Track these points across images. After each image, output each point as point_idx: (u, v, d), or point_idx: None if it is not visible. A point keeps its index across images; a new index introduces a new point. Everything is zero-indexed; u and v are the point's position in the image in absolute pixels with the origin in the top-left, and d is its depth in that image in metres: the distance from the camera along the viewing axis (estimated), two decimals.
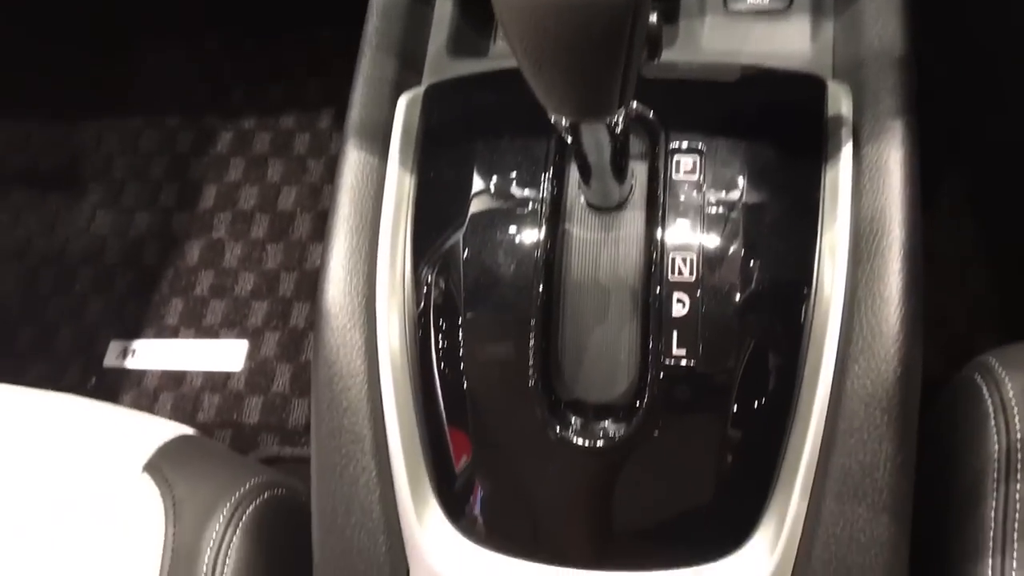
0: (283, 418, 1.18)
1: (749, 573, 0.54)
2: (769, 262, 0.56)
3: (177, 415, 1.17)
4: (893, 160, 0.57)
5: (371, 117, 0.65)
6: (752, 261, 0.56)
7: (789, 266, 0.57)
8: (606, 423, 0.57)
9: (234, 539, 0.62)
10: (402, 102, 0.65)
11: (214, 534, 0.62)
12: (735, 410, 0.55)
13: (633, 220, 0.58)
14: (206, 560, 0.62)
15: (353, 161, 0.64)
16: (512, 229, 0.59)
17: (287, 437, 1.17)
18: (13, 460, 0.68)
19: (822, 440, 0.54)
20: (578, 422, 0.57)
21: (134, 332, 1.26)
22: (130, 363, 1.24)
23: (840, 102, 0.59)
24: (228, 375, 1.21)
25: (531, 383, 0.57)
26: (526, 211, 0.59)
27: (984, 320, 1.06)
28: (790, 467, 0.54)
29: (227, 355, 1.22)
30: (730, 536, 0.55)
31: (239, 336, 1.23)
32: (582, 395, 0.58)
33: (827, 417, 0.54)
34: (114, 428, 0.70)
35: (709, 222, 0.57)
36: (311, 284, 1.24)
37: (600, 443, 0.56)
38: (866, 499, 0.52)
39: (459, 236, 0.60)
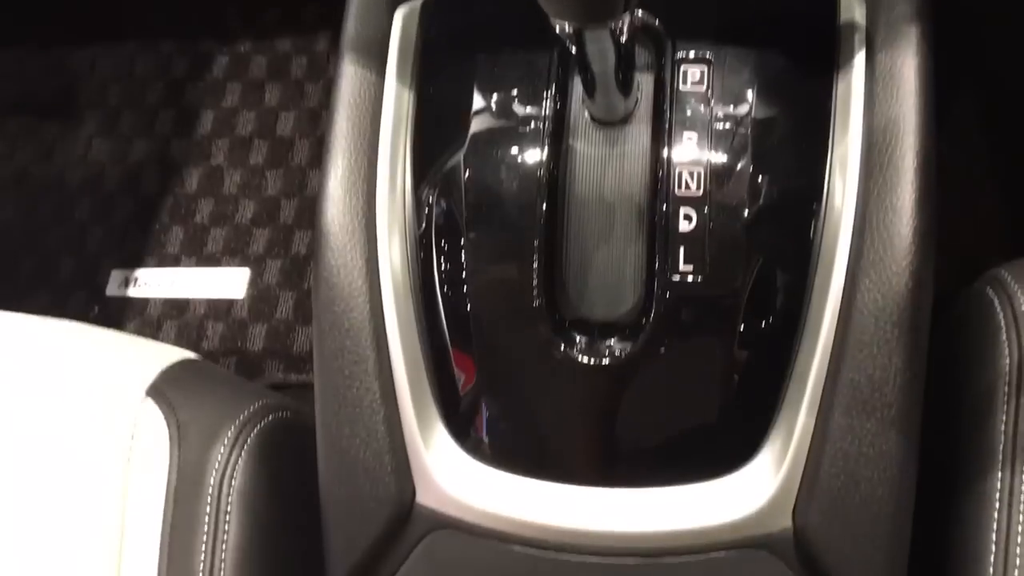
0: (287, 345, 1.17)
1: (756, 488, 0.54)
2: (778, 175, 0.55)
3: (181, 343, 1.16)
4: (908, 67, 0.55)
5: (367, 31, 0.63)
6: (761, 174, 0.55)
7: (799, 179, 0.55)
8: (611, 341, 0.56)
9: (239, 461, 0.62)
10: (399, 15, 0.63)
11: (219, 456, 0.62)
12: (742, 326, 0.54)
13: (639, 134, 0.56)
14: (212, 482, 0.62)
15: (350, 77, 0.62)
16: (515, 145, 0.57)
17: (292, 364, 1.17)
18: (15, 385, 0.68)
19: (831, 355, 0.53)
20: (583, 341, 0.57)
21: (135, 261, 1.26)
22: (132, 292, 1.24)
23: (853, 8, 0.57)
24: (231, 303, 1.20)
25: (535, 302, 0.56)
26: (529, 127, 0.57)
27: (992, 238, 1.05)
28: (798, 382, 0.54)
29: (229, 283, 1.22)
30: (737, 452, 0.55)
31: (241, 264, 1.23)
32: (587, 313, 0.57)
33: (836, 332, 0.53)
34: (116, 353, 0.70)
35: (717, 135, 0.55)
36: (312, 211, 1.22)
37: (606, 361, 0.55)
38: (875, 414, 0.52)
39: (460, 153, 0.58)
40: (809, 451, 0.53)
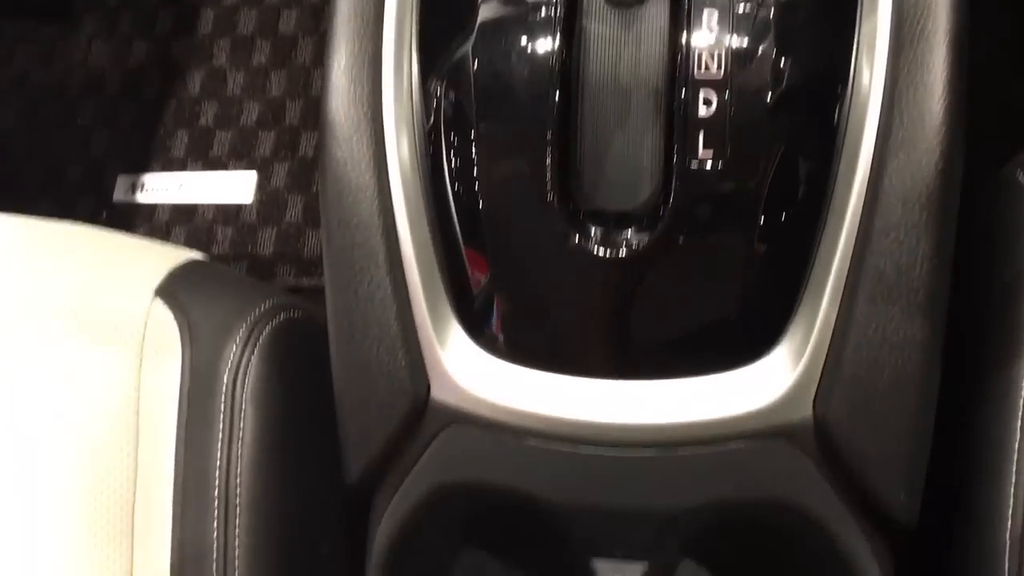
0: (298, 249, 1.17)
1: (776, 378, 0.53)
2: (803, 55, 0.52)
3: (191, 249, 1.16)
4: None
5: None
6: (784, 55, 0.52)
7: (824, 58, 0.53)
8: (628, 232, 0.55)
9: (252, 360, 0.62)
10: None
11: (231, 356, 0.62)
12: (764, 212, 0.53)
13: (656, 14, 0.54)
14: (225, 381, 0.61)
15: None
16: (525, 31, 0.55)
17: (304, 268, 1.16)
18: (22, 287, 0.67)
19: (855, 241, 0.51)
20: (599, 232, 0.55)
21: (141, 166, 1.24)
22: (140, 197, 1.23)
23: None
24: (239, 207, 1.19)
25: (549, 195, 0.54)
26: (540, 12, 0.55)
27: (1019, 128, 1.02)
28: (821, 270, 0.52)
29: (237, 187, 1.20)
30: (757, 342, 0.54)
31: (248, 167, 1.21)
32: (603, 204, 0.55)
33: (862, 217, 0.51)
34: (123, 254, 0.69)
35: (738, 14, 0.53)
36: (317, 112, 1.20)
37: (622, 252, 0.54)
38: (900, 300, 0.50)
39: (469, 40, 0.56)
40: (831, 339, 0.52)
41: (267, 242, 1.17)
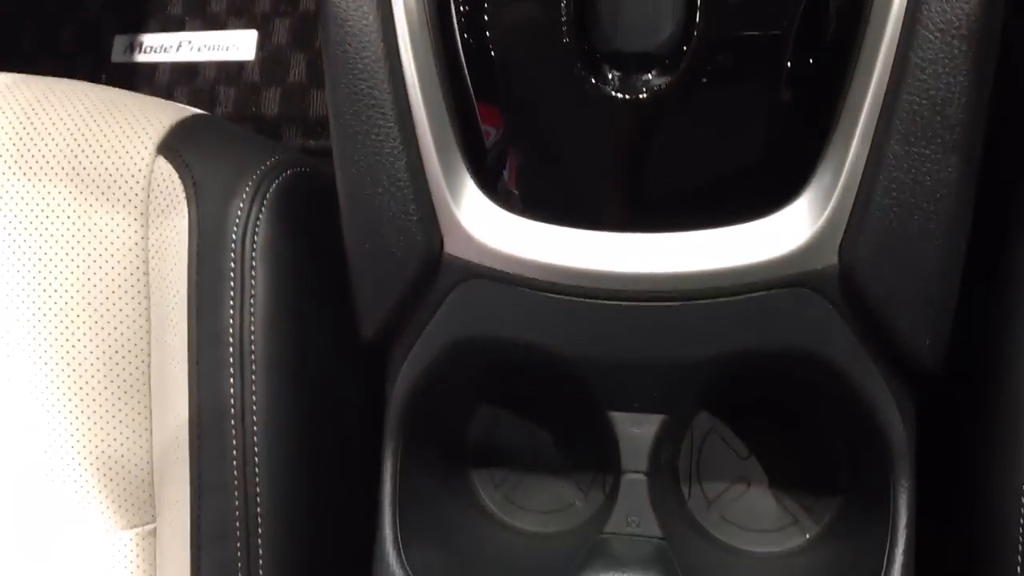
0: (303, 109, 1.13)
1: (801, 224, 0.51)
2: None
3: None
4: None
5: None
6: None
7: None
8: (649, 74, 0.52)
9: (260, 216, 0.60)
10: None
11: (239, 212, 0.60)
12: (792, 49, 0.50)
13: None
14: (234, 238, 0.60)
15: None
16: None
17: (310, 128, 1.13)
18: (21, 143, 0.65)
19: (889, 78, 0.49)
20: (618, 76, 0.52)
21: (138, 25, 1.20)
22: (139, 58, 1.19)
23: None
24: (241, 66, 1.15)
25: (565, 37, 0.51)
26: None
27: None
28: (851, 111, 0.50)
29: (237, 45, 1.16)
30: (782, 189, 0.52)
31: (248, 25, 1.16)
32: (621, 45, 0.52)
33: (897, 50, 0.48)
34: (123, 110, 0.66)
35: None
36: None
37: (643, 95, 0.51)
38: (935, 139, 0.48)
39: None
40: (860, 183, 0.50)
41: (271, 102, 1.14)
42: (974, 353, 0.57)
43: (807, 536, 0.60)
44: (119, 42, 1.20)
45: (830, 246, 0.51)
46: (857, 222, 0.50)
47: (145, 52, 1.19)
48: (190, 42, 1.18)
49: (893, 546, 0.54)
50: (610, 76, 0.52)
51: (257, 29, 1.16)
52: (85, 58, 1.20)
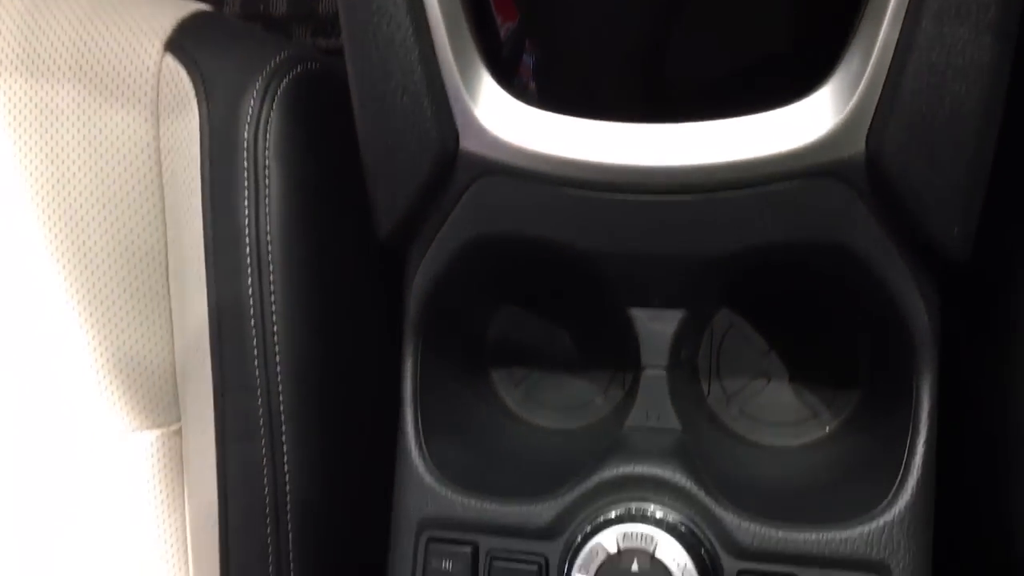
0: (313, 6, 1.10)
1: (828, 112, 0.50)
2: None
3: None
4: None
5: None
6: None
7: None
8: None
9: (272, 113, 0.59)
10: None
11: (249, 110, 0.59)
12: None
13: None
14: (245, 137, 0.59)
15: None
16: None
17: (321, 27, 1.10)
18: (24, 43, 0.63)
19: None
20: None
21: None
22: None
23: None
24: None
25: None
26: None
27: None
28: None
29: None
30: (808, 75, 0.50)
31: None
32: None
33: None
34: (126, 6, 0.64)
35: None
36: None
37: None
38: (969, 18, 0.46)
39: None
40: (890, 67, 0.48)
41: (279, 1, 1.11)
42: (1003, 242, 0.56)
43: (827, 429, 0.60)
44: None
45: (857, 133, 0.50)
46: (886, 108, 0.48)
47: None
48: None
49: (915, 435, 0.54)
50: None
51: None
52: None
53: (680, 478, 0.55)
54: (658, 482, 0.55)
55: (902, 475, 0.54)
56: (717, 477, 0.56)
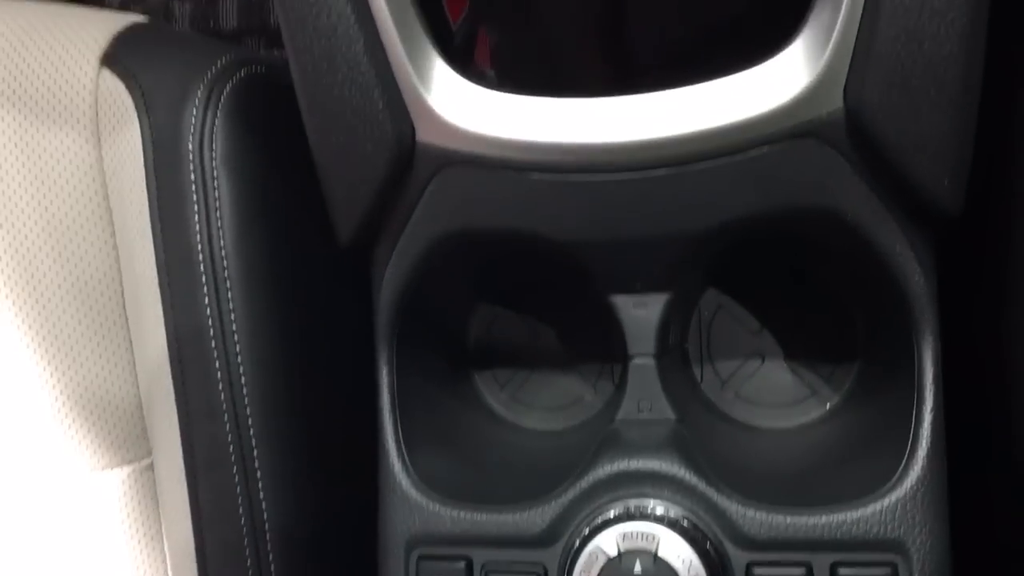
0: (264, 18, 1.07)
1: (801, 69, 0.47)
2: None
3: None
4: None
5: None
6: None
7: None
8: None
9: (216, 121, 0.56)
10: None
11: (192, 120, 0.56)
12: None
13: None
14: (190, 148, 0.56)
15: None
16: None
17: (273, 39, 1.07)
18: None
19: None
20: None
21: None
22: None
23: None
24: None
25: None
26: None
27: None
28: None
29: None
30: (776, 31, 0.47)
31: None
32: None
33: None
34: (59, 23, 0.61)
35: None
36: None
37: None
38: None
39: None
40: (863, 14, 0.45)
41: (230, 15, 1.08)
42: (995, 193, 0.53)
43: (827, 406, 0.58)
44: None
45: (834, 89, 0.47)
46: (862, 59, 0.46)
47: None
48: None
49: (920, 404, 0.52)
50: None
51: None
52: None
53: (678, 470, 0.52)
54: (656, 476, 0.52)
55: (911, 447, 0.51)
56: (717, 466, 0.53)
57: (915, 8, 0.44)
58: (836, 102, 0.47)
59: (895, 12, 0.45)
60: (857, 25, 0.46)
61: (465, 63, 0.51)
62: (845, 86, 0.47)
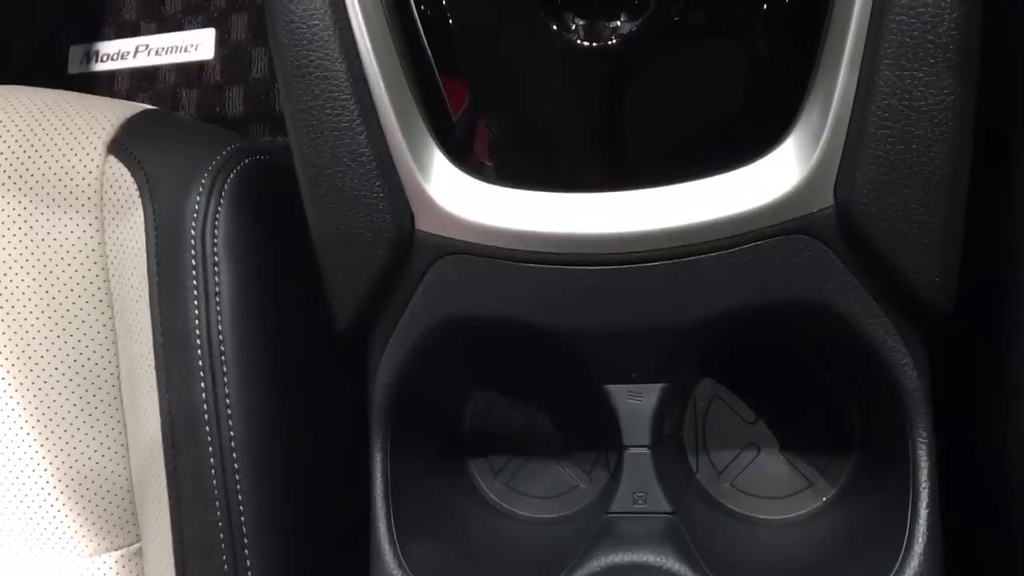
0: (269, 105, 1.10)
1: (792, 167, 0.48)
2: None
3: None
4: None
5: None
6: None
7: None
8: (616, 19, 0.49)
9: (219, 209, 0.57)
10: None
11: (196, 206, 0.57)
12: None
13: None
14: (193, 234, 0.56)
15: None
16: None
17: (278, 124, 1.10)
18: None
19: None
20: (583, 23, 0.49)
21: (93, 34, 1.16)
22: (96, 67, 1.15)
23: None
24: (201, 66, 1.11)
25: None
26: None
27: None
28: (836, 36, 0.46)
29: (196, 44, 1.12)
30: (768, 131, 0.49)
31: (205, 23, 1.13)
32: None
33: None
34: (68, 111, 0.63)
35: None
36: None
37: (612, 41, 0.48)
38: (927, 59, 0.44)
39: None
40: (851, 116, 0.46)
41: (236, 101, 1.10)
42: (986, 288, 0.54)
43: (823, 499, 0.58)
44: (75, 52, 1.16)
45: (824, 187, 0.48)
46: (851, 158, 0.47)
47: (102, 61, 1.15)
48: (147, 46, 1.14)
49: (916, 500, 0.51)
50: (576, 23, 0.49)
51: (215, 27, 1.12)
52: (40, 72, 1.16)
53: (673, 564, 0.52)
54: (650, 570, 0.52)
55: (907, 544, 0.51)
56: (713, 560, 0.53)
57: (902, 110, 0.46)
58: (826, 200, 0.48)
59: (883, 114, 0.46)
60: (846, 126, 0.47)
61: (464, 156, 0.52)
62: (835, 184, 0.48)
